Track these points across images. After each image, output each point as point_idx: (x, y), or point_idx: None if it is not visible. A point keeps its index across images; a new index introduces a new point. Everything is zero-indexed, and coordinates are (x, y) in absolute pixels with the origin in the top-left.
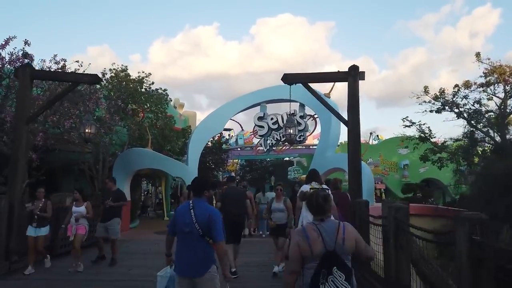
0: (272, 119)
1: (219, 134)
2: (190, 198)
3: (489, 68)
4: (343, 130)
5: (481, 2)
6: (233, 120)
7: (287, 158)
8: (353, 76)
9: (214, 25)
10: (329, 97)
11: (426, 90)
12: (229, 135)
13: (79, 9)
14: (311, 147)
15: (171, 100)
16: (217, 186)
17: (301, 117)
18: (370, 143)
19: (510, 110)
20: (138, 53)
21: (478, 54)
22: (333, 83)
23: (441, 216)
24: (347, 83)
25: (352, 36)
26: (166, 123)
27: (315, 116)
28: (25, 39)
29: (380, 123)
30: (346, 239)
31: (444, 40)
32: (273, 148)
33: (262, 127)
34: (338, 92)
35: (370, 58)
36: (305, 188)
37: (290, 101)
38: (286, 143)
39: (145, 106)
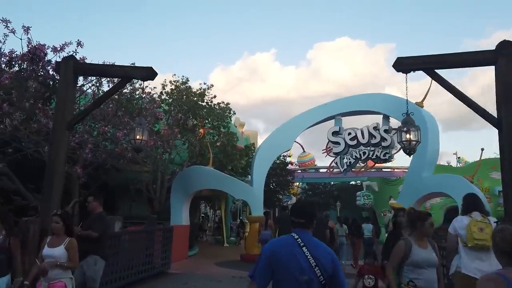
0: (349, 134)
1: (285, 153)
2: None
3: None
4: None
5: None
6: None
7: (354, 182)
8: (506, 56)
9: (272, 51)
10: (422, 107)
11: None
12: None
13: (149, 40)
14: (383, 169)
15: (235, 113)
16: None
17: (385, 131)
18: (454, 166)
19: None
20: (199, 80)
21: None
22: (427, 89)
23: None
24: (494, 67)
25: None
26: (228, 140)
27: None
28: (78, 40)
29: (448, 147)
30: None
31: None
32: (352, 168)
33: (337, 143)
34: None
35: None
36: (463, 221)
37: (406, 107)
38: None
39: (206, 121)
